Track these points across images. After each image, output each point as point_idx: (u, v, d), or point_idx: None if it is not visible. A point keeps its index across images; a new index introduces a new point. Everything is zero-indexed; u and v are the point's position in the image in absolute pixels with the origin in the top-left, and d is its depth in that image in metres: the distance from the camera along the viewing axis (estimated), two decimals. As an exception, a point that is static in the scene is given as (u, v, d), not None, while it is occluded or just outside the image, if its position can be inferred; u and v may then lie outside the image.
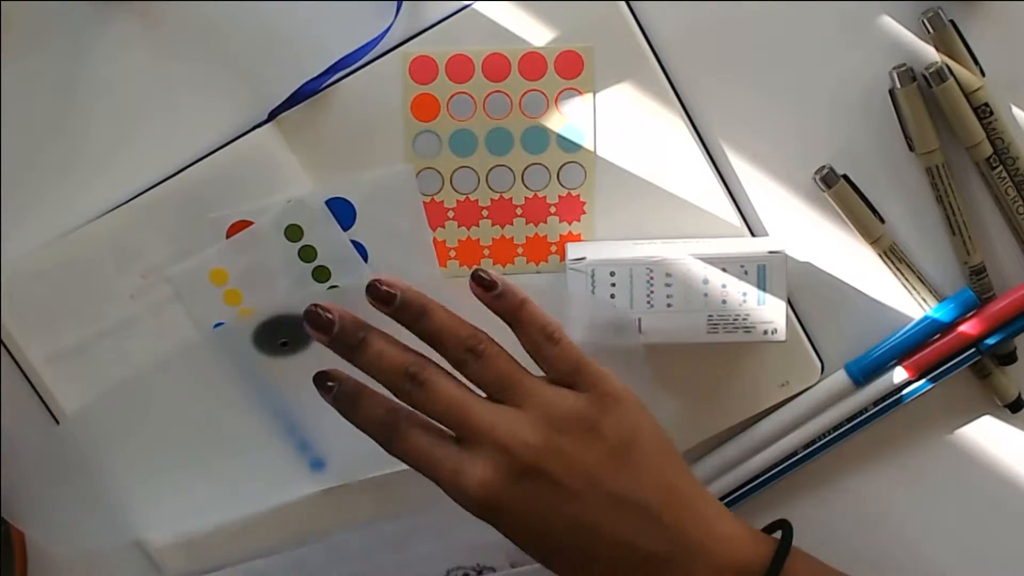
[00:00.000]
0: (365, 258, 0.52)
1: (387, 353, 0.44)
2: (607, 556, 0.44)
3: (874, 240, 0.52)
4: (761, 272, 0.49)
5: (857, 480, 0.55)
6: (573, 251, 0.50)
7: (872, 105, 0.52)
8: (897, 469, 0.55)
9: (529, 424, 0.43)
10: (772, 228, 0.53)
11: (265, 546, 0.54)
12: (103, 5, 0.50)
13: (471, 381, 0.45)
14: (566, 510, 0.43)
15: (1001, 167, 0.52)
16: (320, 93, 0.50)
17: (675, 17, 0.51)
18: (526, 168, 0.52)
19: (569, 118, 0.51)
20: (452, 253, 0.52)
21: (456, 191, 0.52)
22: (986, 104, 0.51)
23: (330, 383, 0.45)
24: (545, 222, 0.52)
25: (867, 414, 0.54)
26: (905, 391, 0.53)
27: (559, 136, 0.51)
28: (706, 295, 0.49)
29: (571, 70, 0.51)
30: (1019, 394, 0.55)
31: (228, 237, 0.51)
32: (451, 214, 0.52)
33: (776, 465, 0.54)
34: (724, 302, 0.49)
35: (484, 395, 0.45)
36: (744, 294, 0.49)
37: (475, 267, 0.50)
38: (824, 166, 0.52)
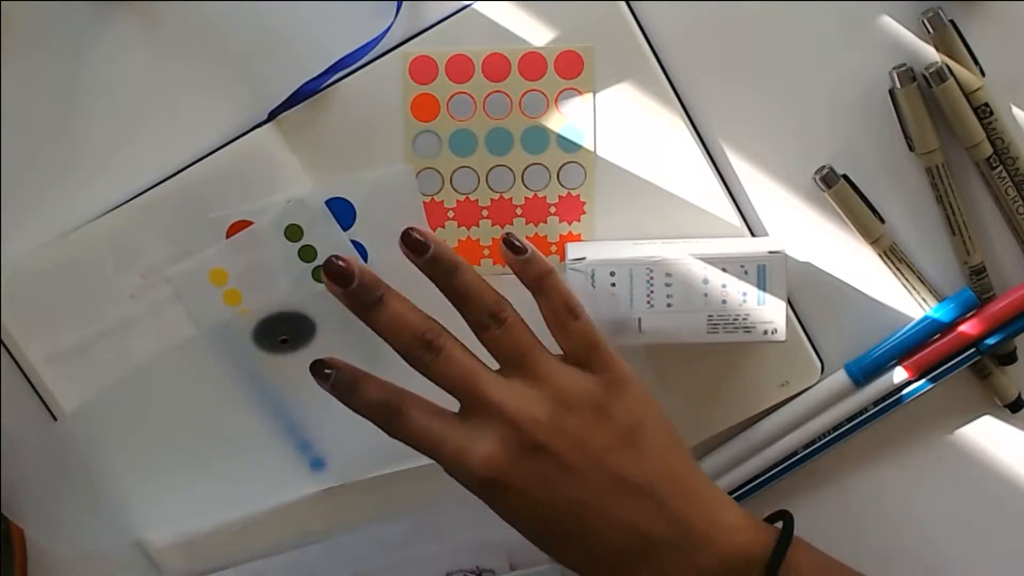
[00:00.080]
0: (365, 258, 0.51)
1: (404, 315, 0.44)
2: (610, 541, 0.43)
3: (874, 240, 0.52)
4: (761, 272, 0.49)
5: (857, 480, 0.55)
6: (573, 251, 0.50)
7: (872, 105, 0.52)
8: (897, 469, 0.55)
9: (540, 401, 0.43)
10: (772, 228, 0.53)
11: (265, 546, 0.54)
12: (103, 5, 0.50)
13: (488, 347, 0.44)
14: (570, 491, 0.43)
15: (1001, 167, 0.52)
16: (320, 93, 0.50)
17: (675, 17, 0.51)
18: (526, 168, 0.52)
19: (569, 118, 0.51)
20: (452, 253, 0.52)
21: (456, 191, 0.52)
22: (986, 104, 0.51)
23: (327, 370, 0.44)
24: (545, 222, 0.52)
25: (867, 414, 0.54)
26: (905, 391, 0.53)
27: (559, 136, 0.51)
28: (706, 295, 0.49)
29: (571, 70, 0.51)
30: (1019, 394, 0.55)
31: (228, 237, 0.51)
32: (451, 214, 0.52)
33: (776, 465, 0.54)
34: (724, 302, 0.49)
35: (496, 368, 0.44)
36: (744, 294, 0.49)
37: (506, 230, 0.50)
38: (824, 166, 0.52)
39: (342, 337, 0.50)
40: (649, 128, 0.51)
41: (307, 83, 0.50)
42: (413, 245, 0.44)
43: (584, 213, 0.52)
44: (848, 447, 0.54)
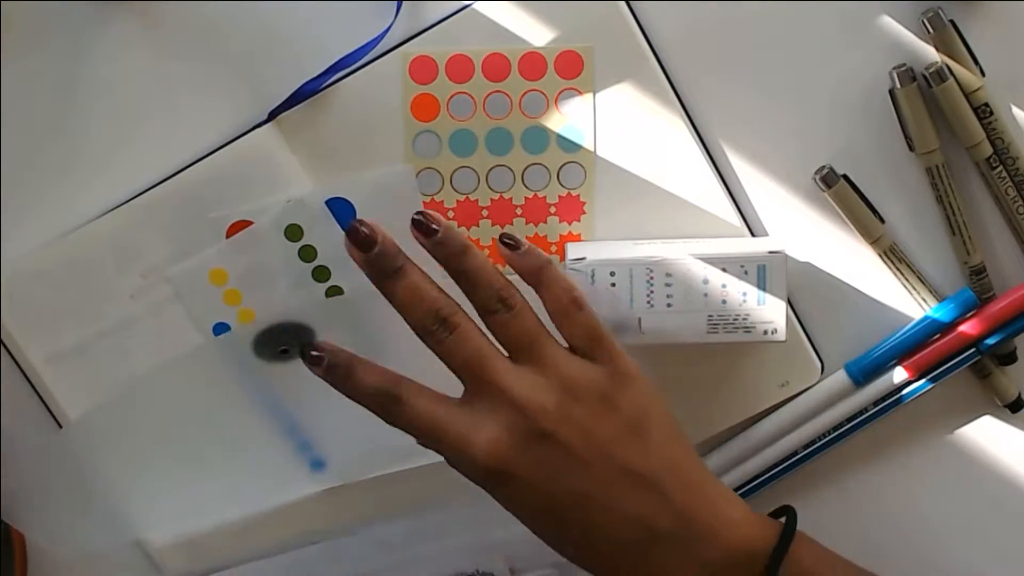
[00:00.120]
0: (365, 258, 0.51)
1: (423, 288, 0.43)
2: (614, 533, 0.43)
3: (874, 240, 0.52)
4: (761, 272, 0.49)
5: (857, 480, 0.55)
6: (573, 251, 0.50)
7: (872, 105, 0.52)
8: (897, 469, 0.55)
9: (547, 389, 0.42)
10: (772, 228, 0.53)
11: (265, 546, 0.54)
12: (103, 5, 0.50)
13: (495, 332, 0.44)
14: (576, 482, 0.42)
15: (1001, 167, 0.52)
16: (320, 93, 0.50)
17: (675, 17, 0.51)
18: (526, 168, 0.52)
19: (569, 118, 0.51)
20: (452, 253, 0.52)
21: (456, 191, 0.52)
22: (986, 104, 0.51)
23: (320, 354, 0.43)
24: (545, 222, 0.52)
25: (867, 414, 0.54)
26: (905, 391, 0.53)
27: (559, 136, 0.51)
28: (706, 295, 0.49)
29: (571, 70, 0.51)
30: (1019, 394, 0.55)
31: (228, 237, 0.51)
32: (451, 214, 0.52)
33: (776, 465, 0.54)
34: (724, 302, 0.49)
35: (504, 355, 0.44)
36: (744, 294, 0.49)
37: (506, 229, 0.50)
38: (824, 166, 0.52)
39: (343, 346, 0.50)
40: (649, 128, 0.51)
41: (307, 83, 0.50)
42: (422, 227, 0.43)
43: (584, 213, 0.52)
44: (848, 447, 0.54)
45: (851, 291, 0.53)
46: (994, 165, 0.51)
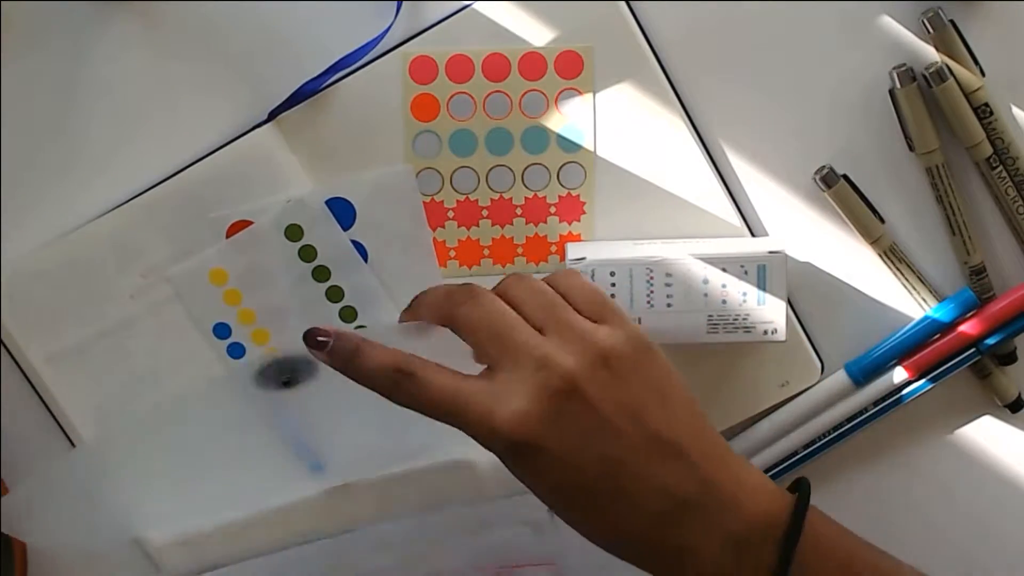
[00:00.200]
0: (365, 258, 0.52)
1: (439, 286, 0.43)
2: (642, 504, 0.41)
3: (874, 240, 0.52)
4: (761, 272, 0.49)
5: (857, 480, 0.55)
6: (573, 251, 0.50)
7: (872, 105, 0.52)
8: (897, 469, 0.55)
9: (571, 353, 0.40)
10: (772, 228, 0.53)
11: (265, 546, 0.54)
12: (103, 5, 0.50)
13: (514, 298, 0.42)
14: (606, 448, 0.40)
15: (1001, 167, 0.52)
16: (320, 93, 0.50)
17: (675, 17, 0.51)
18: (526, 168, 0.52)
19: (569, 118, 0.51)
20: (452, 253, 0.52)
21: (456, 191, 0.52)
22: (986, 104, 0.51)
23: (323, 338, 0.42)
24: (545, 222, 0.52)
25: (867, 414, 0.54)
26: (905, 391, 0.53)
27: (559, 136, 0.51)
28: (706, 295, 0.49)
29: (571, 70, 0.51)
30: (1019, 394, 0.55)
31: (228, 237, 0.51)
32: (451, 214, 0.52)
33: (776, 465, 0.54)
34: (724, 302, 0.49)
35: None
36: (744, 294, 0.49)
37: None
38: (824, 166, 0.52)
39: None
40: (649, 128, 0.51)
41: (307, 83, 0.50)
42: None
43: (584, 213, 0.52)
44: (848, 447, 0.54)
45: (851, 291, 0.53)
46: (994, 165, 0.51)
